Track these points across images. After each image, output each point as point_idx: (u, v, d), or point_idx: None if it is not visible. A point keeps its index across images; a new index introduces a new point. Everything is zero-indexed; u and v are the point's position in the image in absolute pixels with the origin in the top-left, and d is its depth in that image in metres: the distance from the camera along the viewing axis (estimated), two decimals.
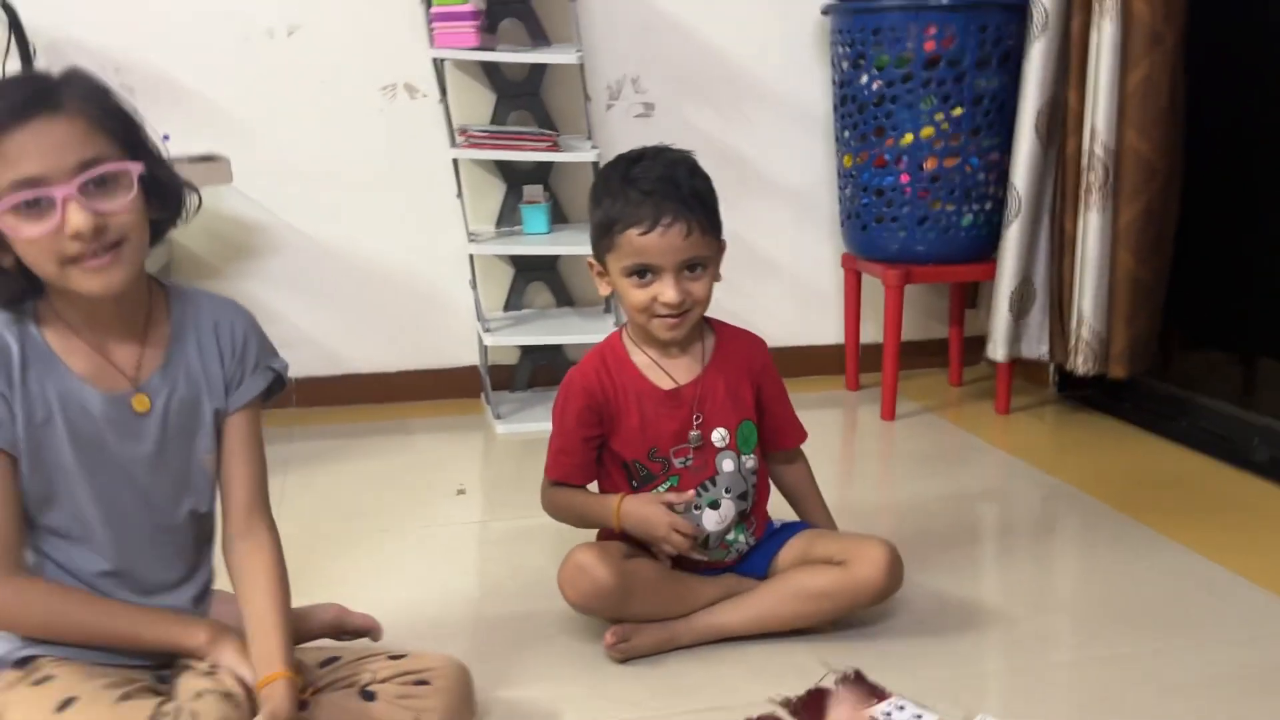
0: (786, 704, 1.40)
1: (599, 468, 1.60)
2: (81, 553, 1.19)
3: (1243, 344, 2.68)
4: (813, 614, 1.54)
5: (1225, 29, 2.55)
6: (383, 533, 2.00)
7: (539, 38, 2.65)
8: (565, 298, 2.84)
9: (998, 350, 2.56)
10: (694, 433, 1.55)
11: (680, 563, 1.58)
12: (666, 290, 1.46)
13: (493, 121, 2.70)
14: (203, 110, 2.60)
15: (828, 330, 3.04)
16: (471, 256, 2.62)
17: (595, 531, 1.64)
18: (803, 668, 1.49)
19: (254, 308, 2.65)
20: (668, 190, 1.45)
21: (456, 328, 2.81)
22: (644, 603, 1.52)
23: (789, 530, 1.66)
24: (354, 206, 2.73)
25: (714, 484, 1.56)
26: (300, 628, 1.36)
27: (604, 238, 1.50)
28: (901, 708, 1.39)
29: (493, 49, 2.53)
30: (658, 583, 1.54)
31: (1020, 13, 2.45)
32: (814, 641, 1.56)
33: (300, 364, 2.75)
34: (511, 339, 2.64)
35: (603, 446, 1.58)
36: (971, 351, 2.92)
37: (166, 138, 2.63)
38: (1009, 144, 2.50)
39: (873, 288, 2.75)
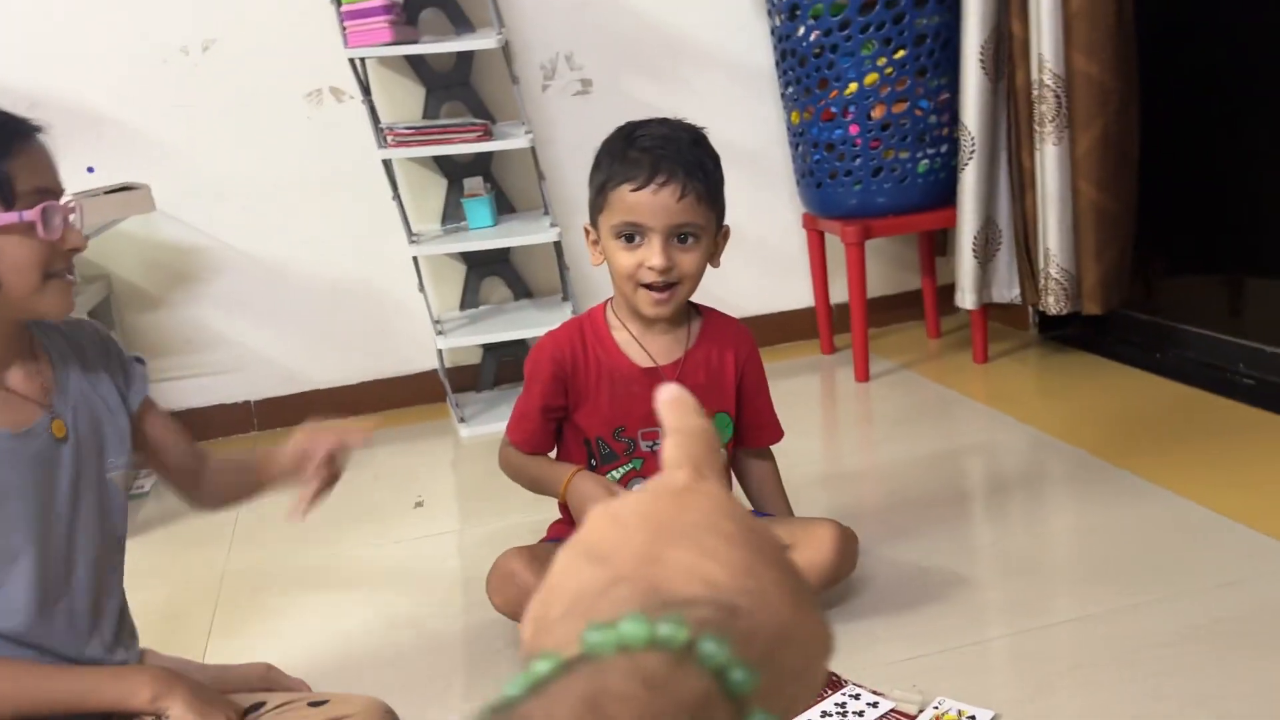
0: None
1: (560, 439, 1.55)
2: None
3: (1224, 267, 2.58)
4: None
5: None
6: (335, 555, 1.94)
7: (462, 24, 2.56)
8: (522, 290, 2.76)
9: (966, 297, 2.46)
10: (647, 444, 1.50)
11: None
12: (654, 255, 1.39)
13: (424, 115, 2.61)
14: (125, 138, 2.53)
15: (797, 294, 2.94)
16: (416, 259, 2.54)
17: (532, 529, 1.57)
18: None
19: (201, 332, 2.66)
20: (667, 149, 1.39)
21: (414, 333, 2.73)
22: None
23: None
24: (294, 219, 2.65)
25: None
26: (225, 688, 1.29)
27: (598, 196, 1.44)
28: (856, 696, 1.31)
29: (414, 41, 2.45)
30: None
31: None
32: None
33: (256, 385, 2.72)
34: (469, 339, 2.56)
35: (566, 419, 1.52)
36: (947, 301, 2.81)
37: (91, 170, 2.58)
38: (957, 83, 2.39)
39: (838, 246, 2.65)
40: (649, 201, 1.38)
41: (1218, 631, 1.35)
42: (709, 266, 1.48)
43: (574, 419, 1.51)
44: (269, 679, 1.38)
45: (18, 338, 1.15)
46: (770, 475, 1.65)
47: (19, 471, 1.11)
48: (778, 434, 1.64)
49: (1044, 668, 1.32)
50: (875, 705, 1.29)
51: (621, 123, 2.79)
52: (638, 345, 1.50)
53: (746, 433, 1.60)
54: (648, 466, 1.49)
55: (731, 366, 1.53)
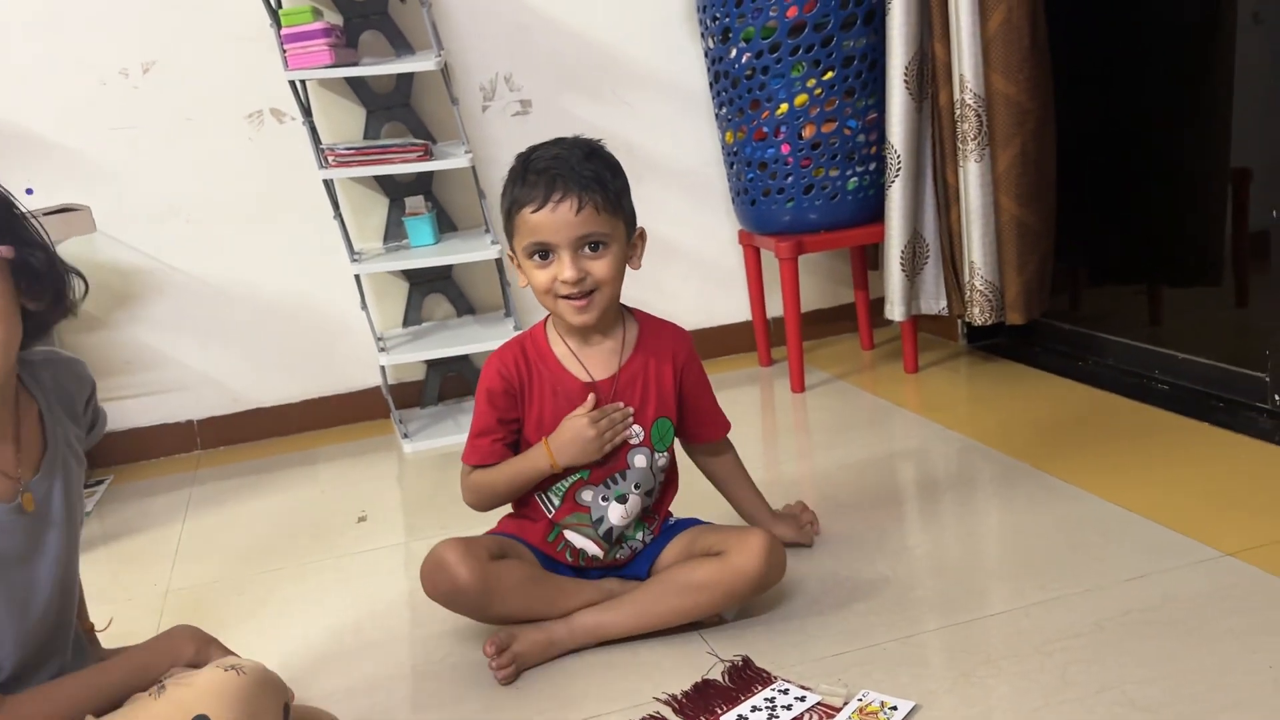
0: (672, 701, 1.38)
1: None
2: None
3: (1140, 278, 2.69)
4: (692, 607, 1.51)
5: None
6: (279, 571, 1.95)
7: (401, 46, 2.60)
8: (465, 306, 2.80)
9: (895, 310, 2.54)
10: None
11: (577, 561, 1.58)
12: (564, 269, 1.44)
13: (365, 136, 2.65)
14: (65, 160, 2.54)
15: (735, 308, 3.01)
16: (358, 277, 2.57)
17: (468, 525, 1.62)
18: (694, 661, 1.46)
19: (143, 352, 2.67)
20: (559, 168, 1.44)
21: (358, 350, 2.76)
22: (510, 603, 1.50)
23: (676, 529, 1.63)
24: (236, 240, 2.67)
25: (624, 478, 1.55)
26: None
27: (508, 223, 1.49)
28: (784, 691, 1.36)
29: (355, 63, 2.48)
30: (525, 583, 1.51)
31: None
32: (707, 632, 1.53)
33: (200, 405, 2.73)
34: (411, 355, 2.59)
35: (519, 436, 1.56)
36: (879, 314, 2.90)
37: (30, 191, 2.59)
38: (884, 103, 2.47)
39: (774, 261, 2.72)
40: (549, 219, 1.43)
41: (1126, 622, 1.42)
42: (630, 269, 1.53)
43: (525, 435, 1.55)
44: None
45: (11, 403, 1.15)
46: (734, 467, 1.73)
47: (4, 540, 1.13)
48: (725, 426, 1.69)
49: (964, 660, 1.39)
50: (802, 699, 1.34)
51: None
52: (575, 360, 1.54)
53: (696, 430, 1.66)
54: (594, 475, 1.54)
55: (670, 373, 1.58)
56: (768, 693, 1.37)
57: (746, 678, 1.41)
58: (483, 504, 1.60)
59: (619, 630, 1.52)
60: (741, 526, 1.65)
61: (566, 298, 1.47)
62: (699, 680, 1.41)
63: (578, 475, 1.54)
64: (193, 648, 1.20)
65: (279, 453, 2.66)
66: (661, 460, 1.58)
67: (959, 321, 2.82)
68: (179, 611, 1.82)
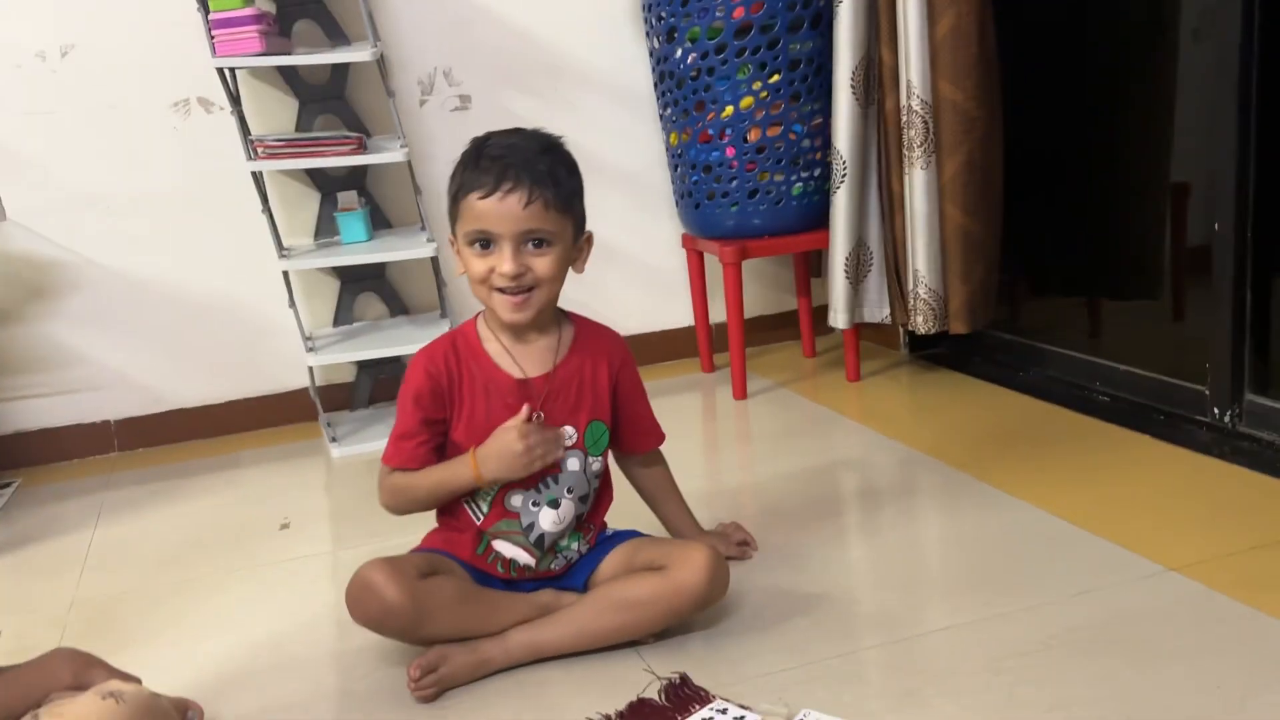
0: None
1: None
2: None
3: (1082, 290, 2.69)
4: (633, 624, 1.45)
5: None
6: (195, 581, 1.86)
7: (337, 37, 2.51)
8: (399, 306, 2.72)
9: (838, 317, 2.51)
10: None
11: (509, 573, 1.51)
12: (505, 261, 1.39)
13: (297, 128, 2.56)
14: None
15: (678, 313, 2.97)
16: (286, 273, 2.48)
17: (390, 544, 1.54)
18: (629, 678, 1.40)
19: (57, 349, 2.56)
20: (514, 157, 1.39)
21: (286, 350, 2.65)
22: (441, 623, 1.42)
23: (614, 540, 1.57)
24: (158, 233, 2.56)
25: (556, 482, 1.49)
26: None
27: (453, 206, 1.44)
28: (723, 711, 1.31)
29: (288, 53, 2.39)
30: (457, 601, 1.43)
31: None
32: (644, 649, 1.47)
33: (117, 405, 2.61)
34: (341, 355, 2.50)
35: (445, 439, 1.49)
36: (823, 321, 2.87)
37: None
38: (830, 108, 2.44)
39: (717, 266, 2.68)
40: (496, 209, 1.38)
41: (1072, 640, 1.39)
42: (573, 273, 1.48)
43: (452, 436, 1.49)
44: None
45: None
46: (665, 480, 1.67)
47: None
48: (659, 436, 1.65)
49: (909, 678, 1.35)
50: (742, 719, 1.29)
51: None
52: (509, 357, 1.49)
53: (628, 439, 1.60)
54: (528, 479, 1.47)
55: (605, 376, 1.53)
56: (705, 712, 1.31)
57: (684, 696, 1.35)
58: (400, 509, 1.52)
59: (556, 648, 1.46)
60: (684, 540, 1.59)
61: (502, 291, 1.42)
62: (634, 699, 1.35)
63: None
64: (70, 671, 1.12)
65: (200, 456, 2.55)
66: (595, 465, 1.52)
67: (901, 330, 2.80)
68: (84, 624, 1.72)
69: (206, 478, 2.40)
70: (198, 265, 2.60)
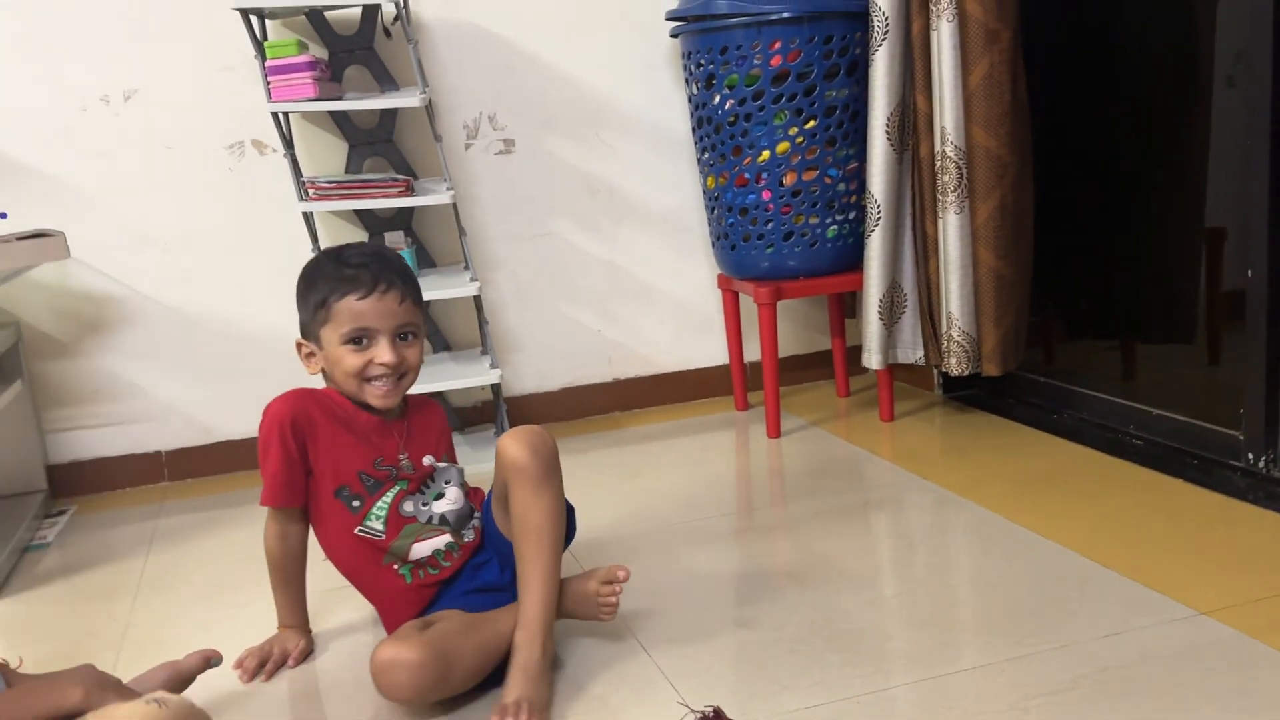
0: None
1: (310, 509, 1.61)
2: None
3: (1117, 331, 2.71)
4: (547, 523, 1.51)
5: (1062, 22, 2.59)
6: (244, 607, 1.91)
7: (386, 82, 2.60)
8: (441, 343, 2.78)
9: (872, 358, 2.54)
10: (405, 461, 1.61)
11: (441, 575, 1.59)
12: (383, 352, 1.55)
13: (347, 169, 2.64)
14: (43, 185, 2.51)
15: (713, 352, 3.01)
16: None
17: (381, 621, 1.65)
18: (663, 711, 1.44)
19: (113, 382, 2.64)
20: (382, 262, 1.58)
21: None
22: (466, 658, 1.46)
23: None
24: (211, 270, 2.64)
25: (433, 480, 1.63)
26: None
27: (319, 311, 1.57)
28: None
29: (339, 98, 2.48)
30: (466, 630, 1.49)
31: (862, 21, 2.46)
32: (678, 683, 1.51)
33: (168, 436, 2.69)
34: None
35: (310, 481, 1.58)
36: (856, 361, 2.90)
37: (4, 216, 2.56)
38: (865, 153, 2.50)
39: (752, 306, 2.73)
40: (375, 307, 1.54)
41: (1102, 680, 1.41)
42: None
43: (317, 475, 1.57)
44: (175, 674, 1.37)
45: None
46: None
47: None
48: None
49: (939, 715, 1.37)
50: None
51: (541, 181, 2.86)
52: (367, 409, 1.62)
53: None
54: (411, 484, 1.59)
55: (439, 432, 1.70)
56: None
57: None
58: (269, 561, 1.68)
59: (546, 604, 1.50)
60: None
61: (375, 380, 1.56)
62: None
63: (398, 488, 1.58)
64: (81, 693, 1.14)
65: (248, 486, 2.62)
66: (457, 464, 1.69)
67: (935, 371, 2.83)
68: (137, 648, 1.77)
69: (254, 508, 2.46)
70: (248, 302, 2.68)
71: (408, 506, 1.58)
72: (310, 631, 1.74)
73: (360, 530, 1.57)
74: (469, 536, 1.63)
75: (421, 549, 1.58)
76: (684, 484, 2.37)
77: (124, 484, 2.67)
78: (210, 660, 1.42)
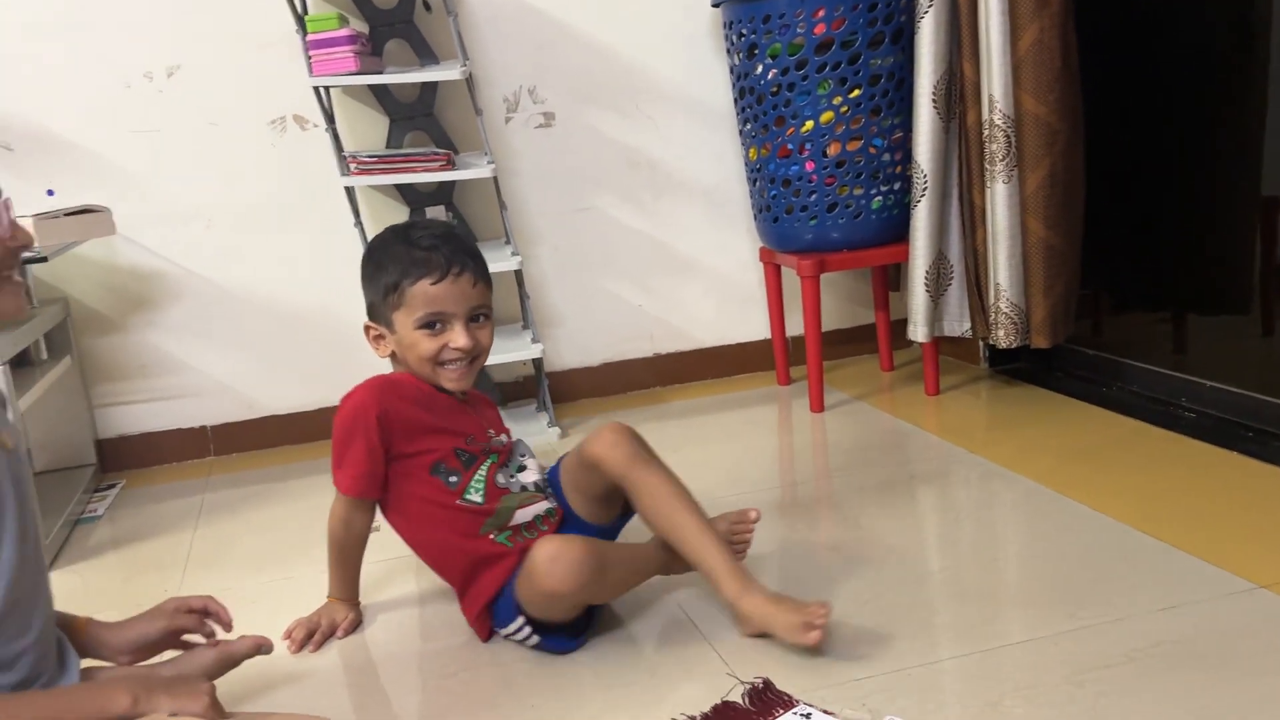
0: None
1: (395, 492, 1.59)
2: None
3: (1167, 304, 2.65)
4: (673, 491, 1.58)
5: None
6: (290, 580, 1.93)
7: (426, 56, 2.59)
8: None
9: (918, 331, 2.51)
10: (498, 437, 1.65)
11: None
12: (458, 337, 1.55)
13: (388, 144, 2.64)
14: (88, 161, 2.53)
15: (754, 326, 2.99)
16: None
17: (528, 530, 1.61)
18: (712, 682, 1.43)
19: (159, 357, 2.67)
20: (454, 243, 1.56)
21: (374, 360, 2.72)
22: (617, 572, 1.54)
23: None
24: (255, 246, 2.66)
25: (512, 454, 1.66)
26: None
27: (391, 296, 1.56)
28: (807, 715, 1.33)
29: (379, 72, 2.47)
30: (615, 549, 1.58)
31: None
32: (726, 653, 1.50)
33: (214, 411, 2.71)
34: None
35: (398, 465, 1.57)
36: (901, 335, 2.86)
37: (51, 193, 2.59)
38: (911, 122, 2.46)
39: (795, 279, 2.70)
40: (449, 291, 1.54)
41: (1157, 654, 1.39)
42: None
43: (412, 454, 1.56)
44: (223, 657, 1.38)
45: None
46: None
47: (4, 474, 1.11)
48: None
49: (991, 688, 1.35)
50: None
51: (581, 155, 2.85)
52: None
53: None
54: (501, 457, 1.61)
55: (491, 401, 1.76)
56: (789, 716, 1.33)
57: (767, 700, 1.38)
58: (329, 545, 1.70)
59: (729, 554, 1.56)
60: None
61: (449, 364, 1.57)
62: (718, 702, 1.38)
63: (489, 461, 1.58)
64: (128, 700, 1.11)
65: (292, 461, 2.64)
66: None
67: (981, 344, 2.79)
68: None
69: (299, 482, 2.49)
70: (291, 277, 2.69)
71: (500, 478, 1.59)
72: (359, 605, 1.75)
73: (461, 502, 1.56)
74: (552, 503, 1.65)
75: (524, 514, 1.58)
76: (726, 458, 2.36)
77: (171, 458, 2.70)
78: (262, 648, 1.41)
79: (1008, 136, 2.30)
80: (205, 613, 1.44)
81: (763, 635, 1.50)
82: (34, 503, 1.19)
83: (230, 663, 1.41)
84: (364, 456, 1.56)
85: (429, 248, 1.54)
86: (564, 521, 1.64)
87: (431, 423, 1.57)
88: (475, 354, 1.58)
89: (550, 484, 1.68)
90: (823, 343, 2.62)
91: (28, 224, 1.05)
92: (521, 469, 1.64)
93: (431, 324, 1.55)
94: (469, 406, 1.64)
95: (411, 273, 1.53)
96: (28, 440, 1.23)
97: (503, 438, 1.66)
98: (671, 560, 1.62)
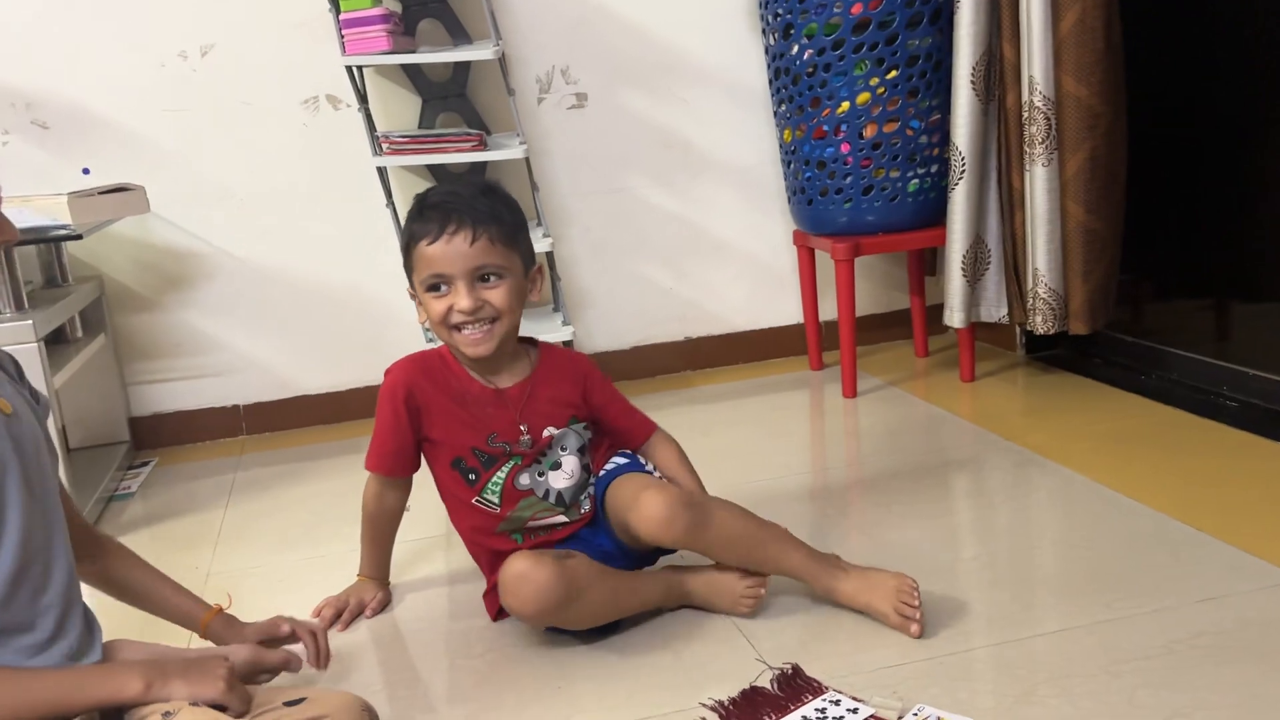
0: (719, 708, 1.33)
1: (433, 472, 1.60)
2: None
3: (1209, 291, 2.60)
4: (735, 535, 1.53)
5: None
6: (320, 559, 1.93)
7: (459, 36, 2.58)
8: None
9: (954, 316, 2.48)
10: (525, 437, 1.55)
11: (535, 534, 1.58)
12: (460, 298, 1.47)
13: (420, 125, 2.63)
14: (122, 139, 2.54)
15: (787, 310, 2.96)
16: None
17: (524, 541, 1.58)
18: (741, 668, 1.42)
19: (192, 335, 2.68)
20: (453, 202, 1.49)
21: (404, 341, 2.72)
22: (592, 598, 1.47)
23: (615, 472, 1.61)
24: (287, 225, 2.66)
25: (549, 449, 1.57)
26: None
27: (407, 259, 1.53)
28: (836, 702, 1.31)
29: (412, 51, 2.46)
30: (600, 576, 1.49)
31: None
32: (756, 639, 1.49)
33: (246, 390, 2.72)
34: None
35: (429, 447, 1.58)
36: (936, 320, 2.83)
37: (87, 171, 2.60)
38: (948, 103, 2.42)
39: (828, 263, 2.67)
40: (444, 251, 1.46)
41: (1198, 646, 1.36)
42: (531, 299, 1.57)
43: (436, 442, 1.56)
44: (253, 661, 1.37)
45: None
46: (671, 460, 1.67)
47: (4, 441, 1.11)
48: (647, 428, 1.69)
49: (1025, 678, 1.33)
50: (855, 711, 1.29)
51: (614, 136, 2.83)
52: (481, 376, 1.57)
53: (620, 437, 1.67)
54: (525, 459, 1.55)
55: (571, 389, 1.61)
56: (819, 703, 1.32)
57: (796, 686, 1.36)
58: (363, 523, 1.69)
59: (809, 554, 1.55)
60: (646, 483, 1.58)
61: (461, 328, 1.50)
62: (747, 687, 1.37)
63: (511, 463, 1.54)
64: (140, 685, 1.10)
65: (323, 441, 2.65)
66: (580, 426, 1.60)
67: (1017, 330, 2.75)
68: (219, 596, 1.79)
69: (329, 461, 2.49)
70: (323, 257, 2.69)
71: (524, 480, 1.55)
72: (389, 584, 1.75)
73: (477, 501, 1.56)
74: (585, 508, 1.60)
75: (536, 524, 1.57)
76: (757, 443, 2.34)
77: (203, 437, 2.71)
78: (291, 666, 1.38)
79: (1048, 119, 2.26)
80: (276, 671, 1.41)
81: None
82: (44, 462, 1.18)
83: (259, 669, 1.39)
84: (390, 434, 1.56)
85: (432, 205, 1.49)
86: (593, 527, 1.59)
87: (456, 414, 1.54)
88: (487, 316, 1.49)
89: (595, 491, 1.62)
90: (856, 327, 2.59)
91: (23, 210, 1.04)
92: (556, 466, 1.57)
93: (436, 286, 1.49)
94: (514, 395, 1.56)
95: (415, 234, 1.49)
96: (59, 410, 1.22)
97: (547, 430, 1.56)
98: (691, 594, 1.58)
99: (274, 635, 1.44)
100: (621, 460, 1.64)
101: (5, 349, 1.28)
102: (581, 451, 1.60)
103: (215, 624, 1.43)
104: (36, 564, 1.13)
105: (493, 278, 1.49)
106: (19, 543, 1.11)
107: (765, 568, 1.55)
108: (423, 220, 1.48)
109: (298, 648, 1.42)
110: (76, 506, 1.33)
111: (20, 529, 1.11)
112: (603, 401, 1.64)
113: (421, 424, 1.55)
